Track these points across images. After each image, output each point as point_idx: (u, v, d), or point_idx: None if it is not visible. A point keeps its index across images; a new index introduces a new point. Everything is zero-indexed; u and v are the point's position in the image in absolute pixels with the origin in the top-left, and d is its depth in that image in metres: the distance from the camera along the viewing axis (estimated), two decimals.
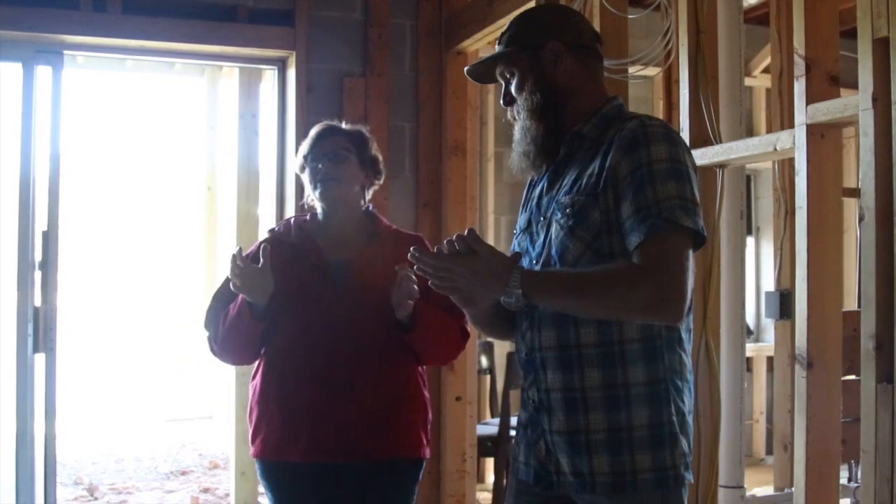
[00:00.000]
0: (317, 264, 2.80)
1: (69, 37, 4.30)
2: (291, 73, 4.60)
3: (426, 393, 2.89)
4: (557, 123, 2.16)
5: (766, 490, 4.73)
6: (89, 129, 10.21)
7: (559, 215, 2.08)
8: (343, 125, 2.95)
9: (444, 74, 4.74)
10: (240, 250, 2.68)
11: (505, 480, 5.23)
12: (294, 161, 4.50)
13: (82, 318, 10.40)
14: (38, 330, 4.28)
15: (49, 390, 4.31)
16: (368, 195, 2.95)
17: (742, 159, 3.01)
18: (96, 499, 6.22)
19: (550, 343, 2.09)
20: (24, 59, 4.29)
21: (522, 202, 2.32)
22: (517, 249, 2.26)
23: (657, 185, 1.95)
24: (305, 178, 2.88)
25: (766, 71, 6.50)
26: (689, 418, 2.08)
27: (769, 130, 6.72)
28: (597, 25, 3.47)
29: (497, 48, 2.26)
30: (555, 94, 2.16)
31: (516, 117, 2.21)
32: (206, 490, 6.41)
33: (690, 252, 1.96)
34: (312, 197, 2.87)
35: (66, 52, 4.37)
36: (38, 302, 4.29)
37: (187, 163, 9.58)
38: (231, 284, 2.70)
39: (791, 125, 4.07)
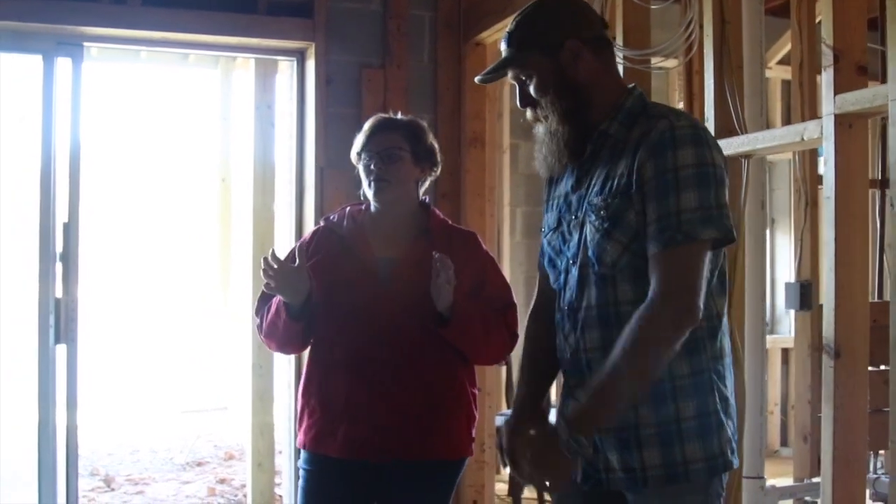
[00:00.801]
0: (364, 260, 2.77)
1: (89, 28, 4.31)
2: (310, 65, 4.60)
3: (474, 392, 2.85)
4: (584, 122, 2.14)
5: (786, 481, 4.74)
6: (103, 120, 10.20)
7: (593, 217, 2.08)
8: (398, 116, 2.88)
9: (463, 65, 4.74)
10: (273, 252, 2.65)
11: None
12: (312, 152, 4.57)
13: (97, 309, 10.40)
14: (59, 321, 4.30)
15: (70, 381, 4.33)
16: (424, 186, 2.89)
17: (768, 149, 3.02)
18: (113, 490, 6.24)
19: (595, 344, 2.10)
20: (44, 52, 4.29)
21: (546, 199, 2.31)
22: (548, 248, 2.28)
23: (680, 193, 1.95)
24: (359, 171, 2.83)
25: (781, 62, 6.50)
26: (733, 399, 2.11)
27: (786, 122, 6.72)
28: (620, 16, 3.48)
29: (505, 49, 2.20)
30: (579, 93, 2.13)
31: (540, 119, 2.18)
32: (222, 481, 6.44)
33: (706, 257, 1.97)
34: (366, 192, 2.83)
35: (85, 44, 4.37)
36: (59, 293, 4.31)
37: (201, 154, 9.58)
38: (264, 286, 2.68)
39: (813, 115, 4.09)
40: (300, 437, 2.83)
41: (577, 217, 2.15)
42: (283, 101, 5.26)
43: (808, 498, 4.01)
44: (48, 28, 4.24)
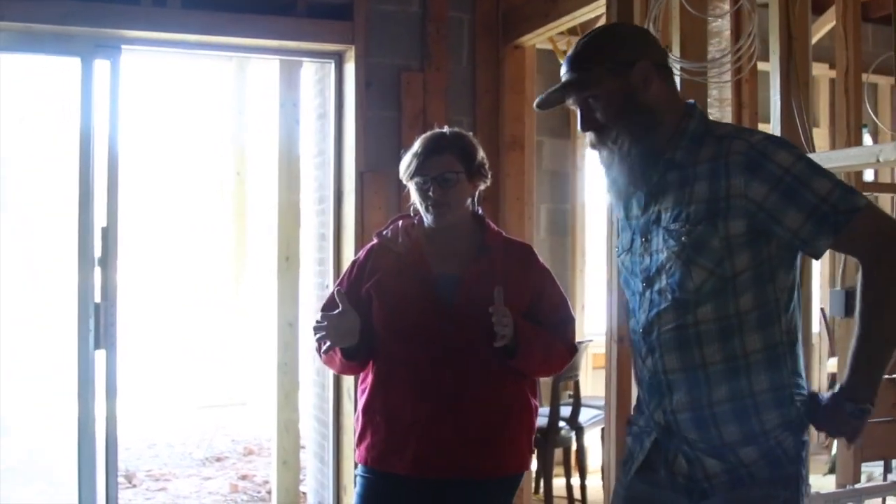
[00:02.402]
0: (424, 278, 2.73)
1: (128, 31, 4.25)
2: (349, 68, 4.56)
3: (535, 403, 2.85)
4: (652, 147, 2.14)
5: (817, 479, 4.77)
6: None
7: (673, 243, 2.08)
8: (444, 130, 2.82)
9: (502, 68, 4.70)
10: (322, 315, 2.65)
11: (551, 471, 5.26)
12: (352, 155, 4.52)
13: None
14: (98, 326, 4.27)
15: (110, 386, 4.30)
16: (476, 197, 2.86)
17: (841, 168, 3.00)
18: (135, 486, 6.22)
19: (675, 366, 2.12)
20: (83, 54, 4.24)
21: (622, 217, 2.30)
22: (623, 269, 2.29)
23: (810, 185, 1.97)
24: (411, 189, 2.78)
25: None
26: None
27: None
28: (677, 27, 3.45)
29: (566, 73, 2.17)
30: (647, 116, 2.12)
31: (605, 144, 2.16)
32: (243, 477, 6.43)
33: (877, 209, 2.01)
34: (423, 215, 2.79)
35: (124, 46, 4.32)
36: (98, 298, 4.28)
37: (214, 146, 9.47)
38: (319, 345, 2.68)
39: (858, 121, 4.09)
40: (361, 453, 2.82)
41: (647, 240, 2.16)
42: (307, 98, 5.23)
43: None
44: (87, 31, 4.18)
